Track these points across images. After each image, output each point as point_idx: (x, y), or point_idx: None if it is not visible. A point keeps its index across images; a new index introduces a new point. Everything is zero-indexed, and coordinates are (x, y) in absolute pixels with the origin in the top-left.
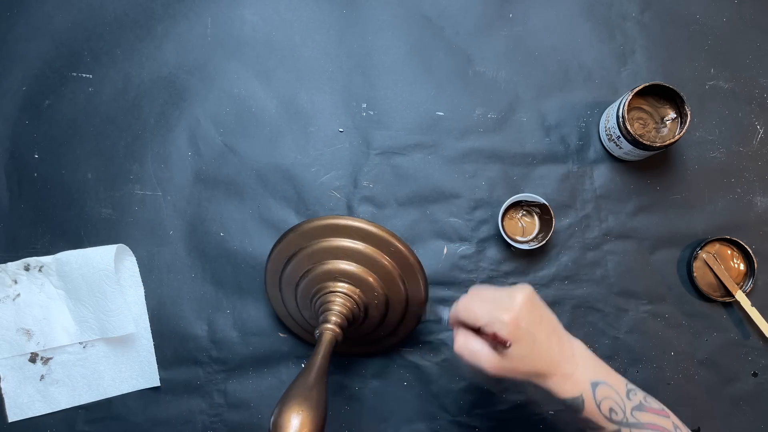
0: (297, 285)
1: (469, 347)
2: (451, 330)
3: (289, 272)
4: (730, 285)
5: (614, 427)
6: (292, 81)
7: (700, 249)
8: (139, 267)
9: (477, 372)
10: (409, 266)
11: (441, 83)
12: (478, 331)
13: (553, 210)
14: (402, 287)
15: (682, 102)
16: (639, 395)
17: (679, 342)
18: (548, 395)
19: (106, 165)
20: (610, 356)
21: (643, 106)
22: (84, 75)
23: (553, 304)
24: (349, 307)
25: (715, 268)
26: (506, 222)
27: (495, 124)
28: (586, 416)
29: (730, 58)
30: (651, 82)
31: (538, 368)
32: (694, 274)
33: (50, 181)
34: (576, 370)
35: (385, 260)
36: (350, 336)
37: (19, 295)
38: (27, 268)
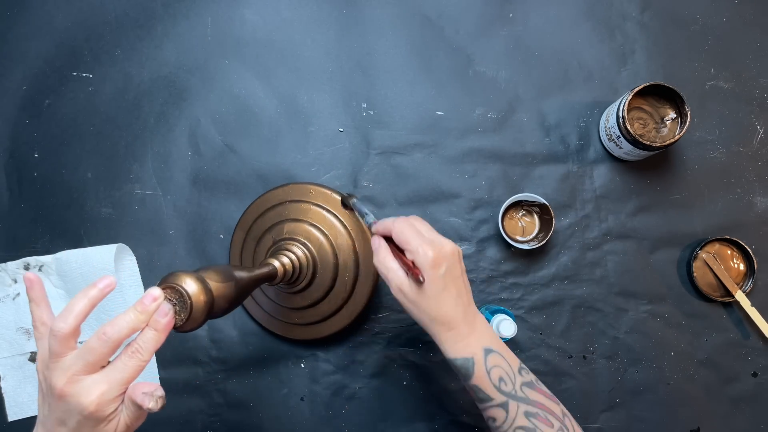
0: (257, 244)
1: (387, 264)
2: (368, 232)
3: (253, 232)
4: (730, 285)
5: (502, 398)
6: (292, 81)
7: (700, 249)
8: (139, 266)
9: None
10: (363, 236)
11: (441, 83)
12: (397, 253)
13: (553, 210)
14: (353, 255)
15: (682, 102)
16: (531, 376)
17: (678, 342)
18: None
19: (106, 164)
20: (610, 356)
21: (643, 106)
22: (84, 74)
23: (553, 304)
24: (298, 256)
25: (714, 268)
26: (506, 222)
27: (495, 124)
28: (475, 383)
29: (730, 58)
30: (651, 82)
31: (437, 315)
32: (694, 274)
33: (50, 181)
34: (473, 334)
35: (340, 225)
36: (300, 303)
37: (18, 294)
38: (27, 268)
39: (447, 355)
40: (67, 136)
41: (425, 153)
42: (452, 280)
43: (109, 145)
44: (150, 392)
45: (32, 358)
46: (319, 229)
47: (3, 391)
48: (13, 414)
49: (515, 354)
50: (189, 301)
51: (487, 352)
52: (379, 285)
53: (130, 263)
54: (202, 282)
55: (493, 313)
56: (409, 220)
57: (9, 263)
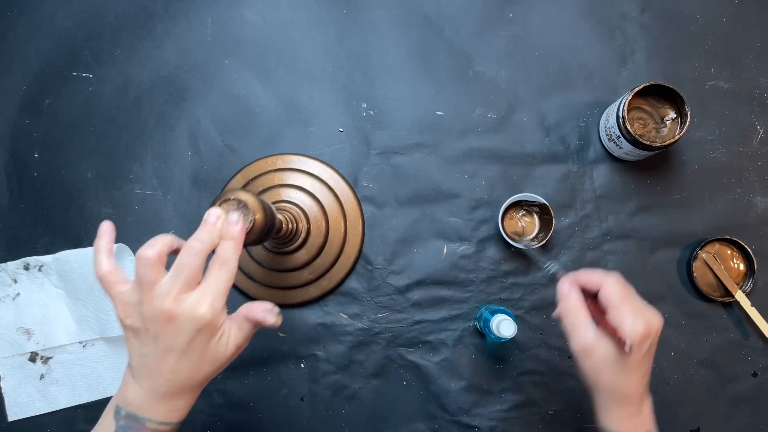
0: None
1: (578, 316)
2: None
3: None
4: (730, 285)
5: None
6: (292, 81)
7: (700, 249)
8: None
9: (565, 340)
10: (355, 219)
11: (441, 83)
12: (593, 309)
13: (553, 210)
14: (343, 232)
15: (682, 102)
16: None
17: (678, 342)
18: (547, 395)
19: (106, 164)
20: None
21: (643, 106)
22: (84, 74)
23: (553, 303)
24: (294, 214)
25: (714, 268)
26: (506, 222)
27: (495, 124)
28: None
29: (730, 58)
30: (651, 82)
31: (619, 390)
32: (694, 274)
33: (50, 181)
34: (640, 414)
35: (337, 205)
36: (292, 264)
37: (18, 294)
38: (27, 268)
39: (605, 423)
40: (67, 136)
41: (425, 153)
42: (650, 358)
43: (109, 145)
44: (269, 309)
45: (32, 358)
46: (311, 195)
47: (3, 391)
48: (13, 414)
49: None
50: (249, 208)
51: None
52: (363, 250)
53: (130, 263)
54: (253, 194)
55: (493, 313)
56: (622, 281)
57: (9, 263)
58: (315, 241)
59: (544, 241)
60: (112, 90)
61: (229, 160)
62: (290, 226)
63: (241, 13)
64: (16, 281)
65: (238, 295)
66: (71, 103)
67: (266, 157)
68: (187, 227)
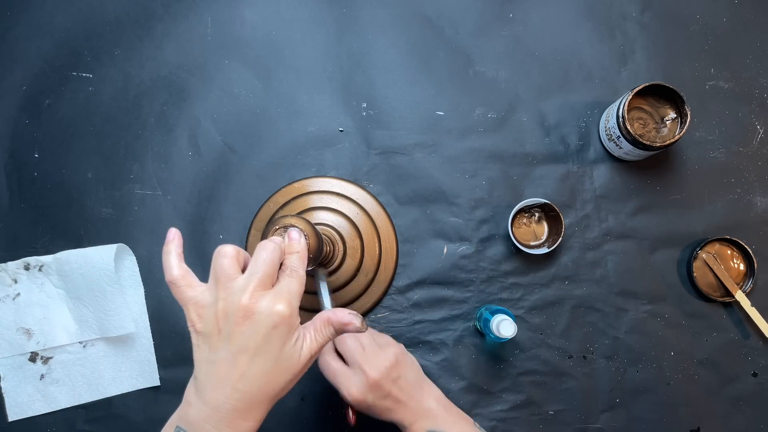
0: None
1: (332, 369)
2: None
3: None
4: (730, 285)
5: None
6: (292, 81)
7: (700, 249)
8: (139, 266)
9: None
10: (389, 254)
11: (441, 83)
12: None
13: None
14: (377, 261)
15: (682, 102)
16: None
17: (678, 342)
18: (547, 395)
19: (106, 164)
20: (610, 356)
21: (643, 106)
22: (84, 74)
23: (553, 303)
24: (331, 236)
25: (714, 268)
26: (515, 230)
27: (495, 123)
28: None
29: (730, 58)
30: (651, 82)
31: (386, 421)
32: (694, 274)
33: (50, 181)
34: (417, 421)
35: (375, 236)
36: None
37: (19, 294)
38: (27, 268)
39: None
40: (67, 136)
41: (425, 153)
42: (380, 401)
43: (109, 145)
44: (355, 313)
45: (32, 358)
46: (344, 215)
47: (3, 391)
48: (13, 414)
49: (520, 351)
50: (303, 231)
51: None
52: (396, 272)
53: (130, 263)
54: (302, 217)
55: (493, 313)
56: (331, 357)
57: (9, 263)
58: (346, 271)
59: (556, 245)
60: (112, 90)
61: (229, 160)
62: (328, 248)
63: (241, 13)
64: (16, 281)
65: None
66: (71, 103)
67: (291, 183)
68: (188, 227)
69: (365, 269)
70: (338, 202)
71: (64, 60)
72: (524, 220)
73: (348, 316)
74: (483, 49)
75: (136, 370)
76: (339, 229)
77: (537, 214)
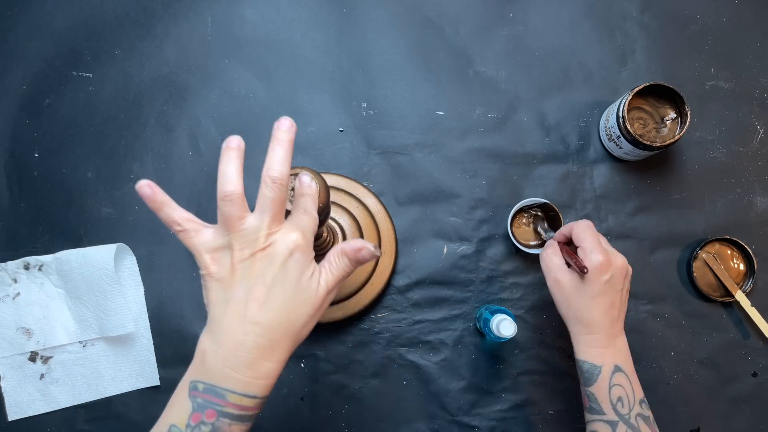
0: None
1: (551, 257)
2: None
3: None
4: (730, 285)
5: (614, 417)
6: (292, 80)
7: (700, 249)
8: (139, 266)
9: (543, 279)
10: (388, 249)
11: (441, 83)
12: (567, 250)
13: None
14: (376, 236)
15: (682, 102)
16: (649, 412)
17: (679, 342)
18: (547, 395)
19: (106, 164)
20: None
21: (643, 106)
22: (84, 74)
23: (553, 303)
24: (331, 226)
25: (714, 268)
26: (515, 230)
27: (495, 123)
28: (594, 391)
29: (730, 58)
30: (651, 82)
31: (585, 316)
32: (694, 274)
33: (50, 180)
34: (610, 347)
35: (375, 231)
36: None
37: (18, 294)
38: (27, 267)
39: (578, 355)
40: (67, 136)
41: (425, 153)
42: (612, 290)
43: (109, 145)
44: (367, 242)
45: (32, 357)
46: (344, 209)
47: (3, 390)
48: (13, 414)
49: (520, 351)
50: (315, 180)
51: (617, 369)
52: (391, 279)
53: (130, 263)
54: (317, 172)
55: (493, 313)
56: (592, 226)
57: (9, 263)
58: None
59: None
60: (112, 90)
61: None
62: (328, 238)
63: (241, 13)
64: (16, 281)
65: None
66: (71, 103)
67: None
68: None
69: (359, 272)
70: (339, 196)
71: (64, 60)
72: (524, 220)
73: (360, 241)
74: (483, 49)
75: (136, 370)
76: (339, 220)
77: (537, 214)
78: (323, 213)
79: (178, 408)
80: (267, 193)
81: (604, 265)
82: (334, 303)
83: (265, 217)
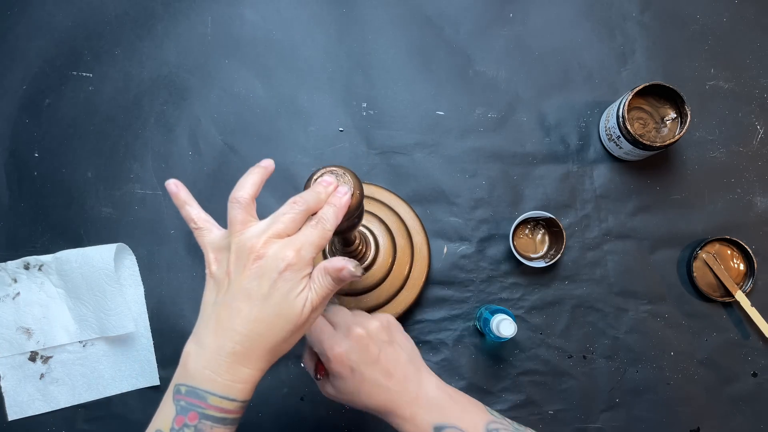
0: None
1: (307, 365)
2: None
3: None
4: (730, 285)
5: None
6: (292, 80)
7: (700, 249)
8: (139, 266)
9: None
10: (422, 260)
11: (441, 83)
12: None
13: (553, 210)
14: (407, 270)
15: (682, 102)
16: (504, 423)
17: (678, 342)
18: (547, 395)
19: (106, 164)
20: (609, 356)
21: (643, 106)
22: (84, 74)
23: (553, 303)
24: (364, 235)
25: (714, 268)
26: (517, 241)
27: (495, 123)
28: None
29: (730, 58)
30: (651, 82)
31: (370, 406)
32: (694, 274)
33: (50, 180)
34: (418, 413)
35: (406, 241)
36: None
37: (18, 293)
38: (27, 267)
39: None
40: (67, 135)
41: (425, 153)
42: (369, 366)
43: (109, 145)
44: (349, 260)
45: (32, 357)
46: (387, 228)
47: (3, 390)
48: (13, 414)
49: (520, 351)
50: (350, 185)
51: (438, 429)
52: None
53: (130, 263)
54: (357, 178)
55: (493, 313)
56: (320, 319)
57: (9, 263)
58: (376, 274)
59: (557, 257)
60: (113, 89)
61: (229, 160)
62: (361, 247)
63: (241, 13)
64: (16, 281)
65: None
66: (71, 103)
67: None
68: (187, 227)
69: (398, 269)
70: (386, 214)
71: (64, 59)
72: (526, 231)
73: (341, 260)
74: (483, 48)
75: (136, 370)
76: (378, 237)
77: (540, 227)
78: (353, 218)
79: (164, 413)
80: (283, 210)
81: (336, 360)
82: (374, 309)
83: (270, 229)
